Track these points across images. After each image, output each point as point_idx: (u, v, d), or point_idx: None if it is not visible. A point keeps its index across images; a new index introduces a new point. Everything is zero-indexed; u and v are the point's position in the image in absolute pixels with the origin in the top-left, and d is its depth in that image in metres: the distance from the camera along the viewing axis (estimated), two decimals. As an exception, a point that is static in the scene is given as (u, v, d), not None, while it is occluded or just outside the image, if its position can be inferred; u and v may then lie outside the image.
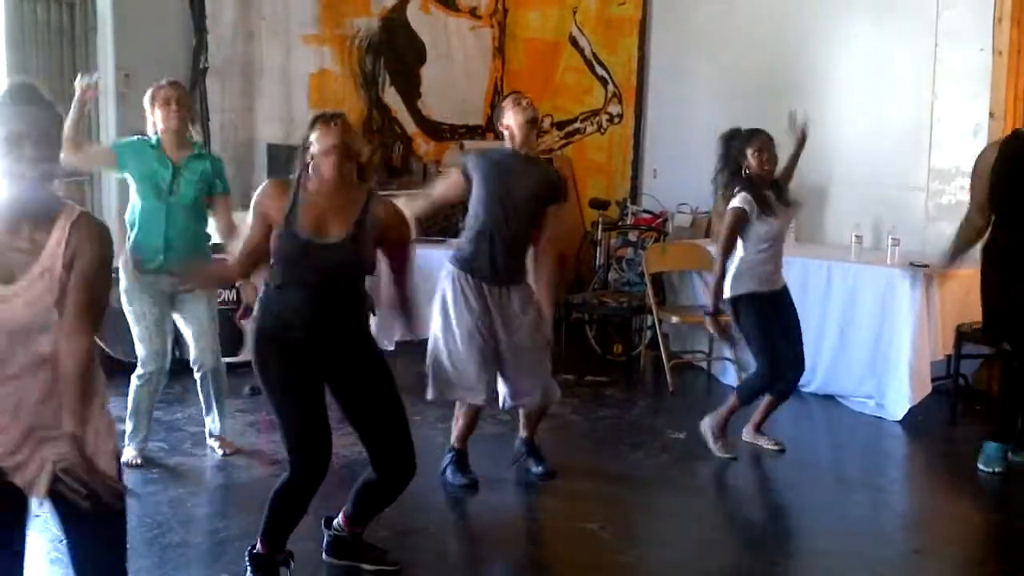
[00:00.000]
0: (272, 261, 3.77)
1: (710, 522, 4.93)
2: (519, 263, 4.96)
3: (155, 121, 5.10)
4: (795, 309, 5.56)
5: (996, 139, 5.53)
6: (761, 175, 5.32)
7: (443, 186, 5.20)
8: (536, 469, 5.24)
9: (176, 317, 5.25)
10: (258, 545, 3.92)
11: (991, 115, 6.69)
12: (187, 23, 7.33)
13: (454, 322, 4.87)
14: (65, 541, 2.75)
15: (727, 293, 5.44)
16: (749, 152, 5.30)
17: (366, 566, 4.12)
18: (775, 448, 5.66)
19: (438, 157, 8.72)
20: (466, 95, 8.92)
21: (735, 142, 5.36)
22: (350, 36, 8.25)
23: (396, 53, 8.56)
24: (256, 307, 3.87)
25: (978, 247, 5.38)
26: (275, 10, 7.87)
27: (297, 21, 7.98)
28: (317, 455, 3.77)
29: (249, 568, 3.93)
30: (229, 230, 5.10)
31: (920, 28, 6.98)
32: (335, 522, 4.14)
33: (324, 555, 4.15)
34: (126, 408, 5.27)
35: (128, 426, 5.26)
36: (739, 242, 5.39)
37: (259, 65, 7.79)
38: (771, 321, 5.44)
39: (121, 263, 5.11)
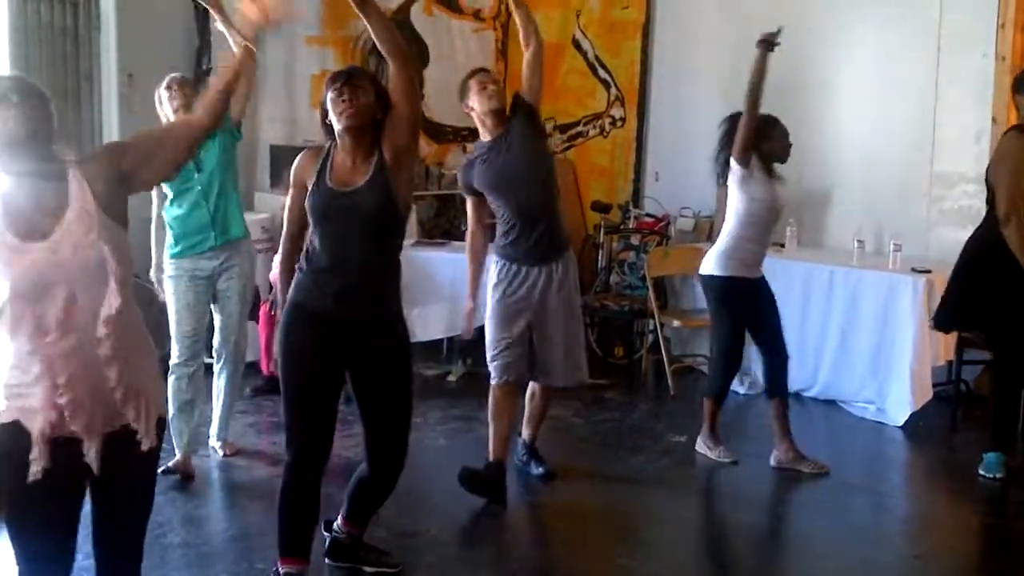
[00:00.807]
0: (310, 228, 3.77)
1: (710, 526, 4.93)
2: (552, 234, 4.95)
3: (166, 112, 5.11)
4: (774, 299, 5.47)
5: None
6: (783, 156, 5.34)
7: (472, 215, 5.09)
8: (537, 470, 5.24)
9: (214, 311, 5.26)
10: (279, 565, 3.83)
11: (994, 120, 6.69)
12: (190, 24, 7.33)
13: (492, 306, 4.94)
14: (95, 509, 2.80)
15: (709, 269, 5.40)
16: (771, 141, 5.29)
17: (367, 568, 4.12)
18: (818, 471, 5.45)
19: (440, 159, 8.72)
20: (469, 98, 8.91)
21: (735, 123, 5.33)
22: (353, 38, 8.24)
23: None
24: (291, 291, 3.81)
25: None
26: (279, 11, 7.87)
27: (300, 22, 7.98)
28: (313, 446, 3.76)
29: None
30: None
31: (923, 33, 6.98)
32: (335, 524, 4.13)
33: (325, 558, 4.14)
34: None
35: (171, 425, 5.12)
36: (730, 215, 5.35)
37: (262, 66, 7.78)
38: (743, 312, 5.38)
39: (167, 267, 5.16)
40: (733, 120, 5.37)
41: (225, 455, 5.44)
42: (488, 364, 5.03)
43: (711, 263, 5.41)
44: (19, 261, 2.59)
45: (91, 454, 2.67)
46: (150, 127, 3.21)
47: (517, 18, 4.95)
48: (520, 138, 4.87)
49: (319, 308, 3.72)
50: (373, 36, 3.69)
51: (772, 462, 5.48)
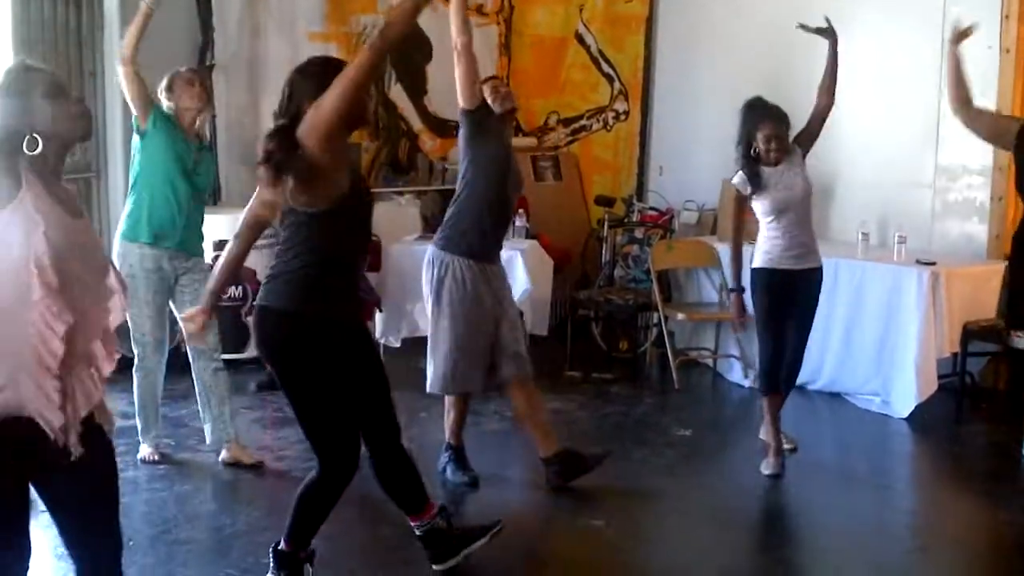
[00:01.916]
0: (307, 232, 3.56)
1: (715, 519, 4.92)
2: (502, 235, 5.09)
3: (174, 104, 5.10)
4: (813, 303, 5.37)
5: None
6: (767, 160, 5.29)
7: (469, 66, 4.80)
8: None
9: (174, 308, 5.17)
10: (282, 543, 3.84)
11: (998, 112, 6.66)
12: (194, 20, 7.33)
13: (467, 315, 4.84)
14: (55, 509, 2.79)
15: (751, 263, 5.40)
16: (759, 136, 5.23)
17: (476, 545, 4.11)
18: (790, 447, 5.55)
19: (444, 154, 8.71)
20: (472, 92, 8.91)
21: (751, 114, 5.29)
22: (356, 33, 8.24)
23: (402, 50, 8.55)
24: (279, 292, 3.60)
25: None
26: (281, 7, 7.87)
27: (304, 18, 7.97)
28: (348, 455, 3.70)
29: (273, 565, 3.85)
30: None
31: (927, 25, 6.95)
32: (414, 526, 4.04)
33: (434, 566, 4.08)
34: (132, 405, 5.28)
35: (139, 423, 5.26)
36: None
37: (265, 61, 7.79)
38: (779, 301, 5.29)
39: (120, 242, 5.10)
40: (747, 109, 5.31)
41: (225, 463, 5.28)
42: (443, 374, 4.93)
43: (751, 258, 5.41)
44: (74, 235, 2.66)
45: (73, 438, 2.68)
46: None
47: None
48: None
49: (338, 315, 3.66)
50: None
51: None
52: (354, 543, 4.46)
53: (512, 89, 5.12)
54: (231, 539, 4.51)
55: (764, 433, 5.53)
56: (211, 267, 4.94)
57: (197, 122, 5.17)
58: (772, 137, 5.23)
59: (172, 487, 5.03)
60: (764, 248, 5.31)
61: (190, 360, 5.24)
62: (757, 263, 5.33)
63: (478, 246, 4.86)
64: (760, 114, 5.27)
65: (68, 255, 2.61)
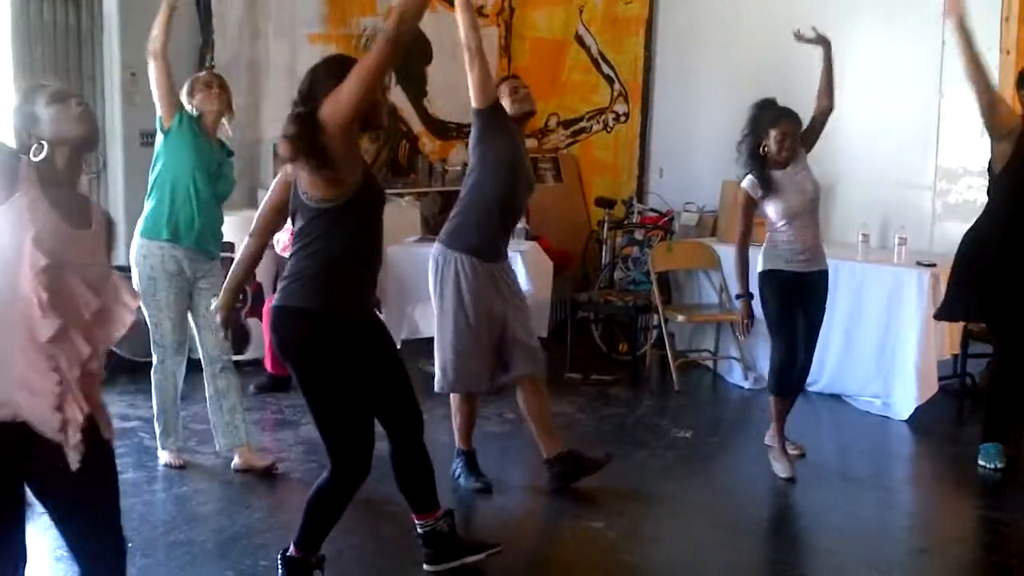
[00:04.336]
0: (322, 228, 3.57)
1: (716, 521, 4.92)
2: (509, 238, 5.04)
3: (196, 106, 5.09)
4: (822, 306, 5.37)
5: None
6: (776, 159, 5.26)
7: (482, 67, 4.80)
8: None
9: (190, 313, 5.17)
10: (291, 549, 3.82)
11: (999, 114, 6.66)
12: (194, 22, 7.32)
13: (468, 312, 4.81)
14: (55, 512, 2.80)
15: (757, 267, 5.38)
16: (772, 134, 5.19)
17: (471, 558, 4.11)
18: (796, 453, 5.53)
19: (444, 156, 8.71)
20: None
21: (764, 113, 5.26)
22: (356, 35, 8.24)
23: (402, 52, 8.55)
24: (293, 290, 3.62)
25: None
26: (281, 10, 7.86)
27: (303, 20, 7.97)
28: (362, 456, 3.68)
29: (282, 572, 3.84)
30: None
31: (927, 27, 6.95)
32: (417, 525, 4.06)
33: (426, 566, 4.10)
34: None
35: (157, 428, 5.22)
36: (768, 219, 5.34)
37: (265, 64, 7.79)
38: (790, 303, 5.28)
39: (139, 240, 5.07)
40: (759, 109, 5.28)
41: (237, 470, 5.24)
42: (445, 372, 4.91)
43: (759, 261, 5.37)
44: (69, 244, 2.69)
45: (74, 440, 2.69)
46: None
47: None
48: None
49: (356, 312, 3.68)
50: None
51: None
52: (355, 544, 4.44)
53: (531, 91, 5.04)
54: (230, 541, 4.50)
55: (769, 439, 5.50)
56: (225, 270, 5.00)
57: (223, 124, 5.15)
58: (786, 134, 5.19)
59: (171, 489, 5.02)
60: (774, 251, 5.29)
61: (202, 364, 5.23)
62: (767, 266, 5.29)
63: (483, 245, 4.84)
64: (774, 112, 5.24)
65: (60, 262, 2.62)
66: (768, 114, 5.24)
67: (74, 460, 2.66)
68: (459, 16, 4.72)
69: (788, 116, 5.24)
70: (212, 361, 5.18)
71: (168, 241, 5.02)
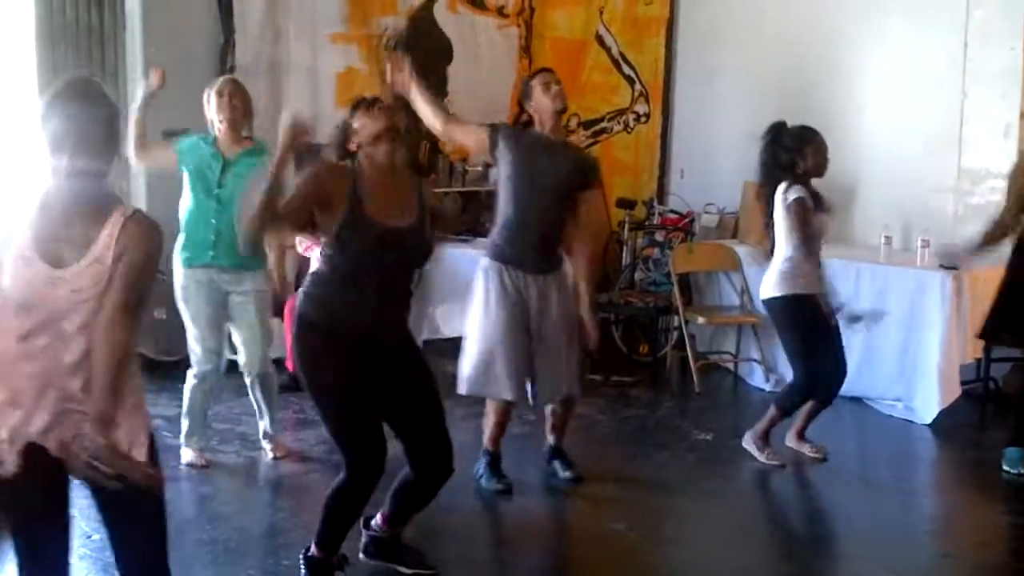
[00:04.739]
0: (329, 251, 3.71)
1: (737, 524, 4.90)
2: (554, 249, 4.90)
3: (210, 116, 5.11)
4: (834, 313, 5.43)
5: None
6: (816, 175, 5.27)
7: (463, 129, 5.06)
8: (564, 474, 5.20)
9: (228, 322, 5.20)
10: (313, 548, 3.86)
11: (1022, 115, 6.64)
12: (215, 23, 7.34)
13: (492, 316, 4.80)
14: (106, 531, 2.80)
15: (771, 292, 5.36)
16: (810, 151, 5.22)
17: (403, 569, 4.09)
18: (817, 456, 5.54)
19: (464, 156, 8.71)
20: (493, 94, 8.89)
21: (787, 140, 5.27)
22: (377, 35, 8.24)
23: (423, 52, 8.56)
24: (302, 300, 3.77)
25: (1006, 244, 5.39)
26: (302, 10, 7.87)
27: (324, 20, 7.98)
28: (374, 455, 3.71)
29: (304, 571, 3.88)
30: None
31: (950, 27, 6.93)
32: (373, 522, 4.11)
33: (361, 555, 4.12)
34: (180, 407, 5.26)
35: (184, 425, 5.23)
36: (786, 241, 5.29)
37: (286, 64, 7.79)
38: (812, 326, 5.31)
39: (175, 261, 5.12)
40: (776, 131, 5.30)
41: (274, 457, 5.37)
42: (467, 374, 4.92)
43: (774, 286, 5.35)
44: (22, 273, 2.60)
45: (74, 472, 2.65)
46: None
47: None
48: (570, 170, 4.83)
49: (353, 329, 3.71)
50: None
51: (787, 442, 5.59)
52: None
53: (563, 87, 5.00)
54: (253, 540, 4.51)
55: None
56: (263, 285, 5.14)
57: (231, 135, 5.12)
58: (824, 148, 5.25)
59: (192, 488, 5.03)
60: (798, 272, 5.28)
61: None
62: (795, 289, 5.29)
63: (508, 252, 4.83)
64: (801, 133, 5.27)
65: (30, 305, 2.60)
66: (791, 135, 5.26)
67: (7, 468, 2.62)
68: (418, 106, 4.92)
69: (816, 132, 5.29)
70: (248, 372, 5.25)
71: (185, 267, 5.08)
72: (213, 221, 5.03)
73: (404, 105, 3.86)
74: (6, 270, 2.62)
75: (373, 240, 3.66)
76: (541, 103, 4.88)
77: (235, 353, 5.36)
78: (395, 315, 3.82)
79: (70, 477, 2.70)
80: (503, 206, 4.87)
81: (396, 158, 3.72)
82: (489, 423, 5.06)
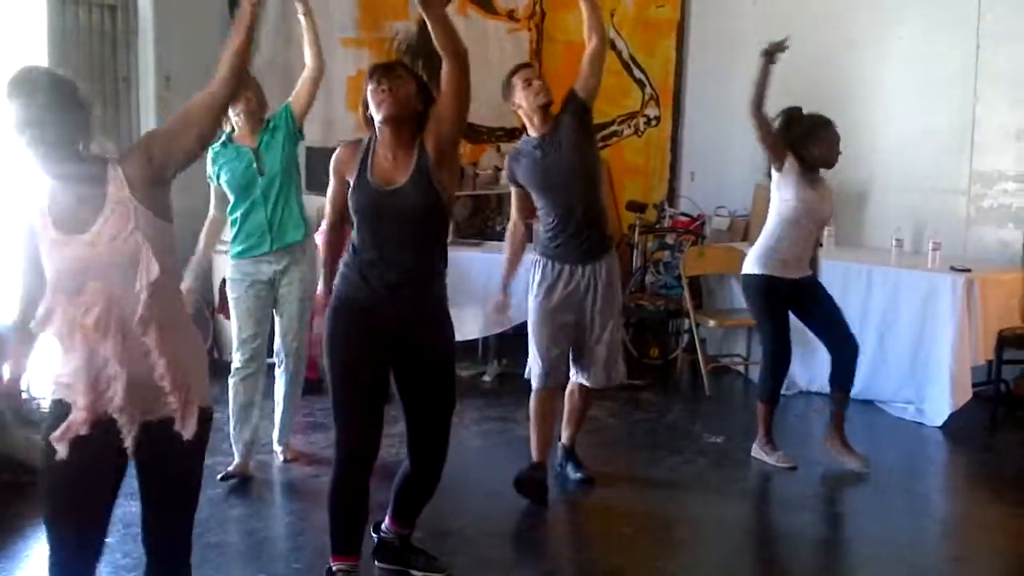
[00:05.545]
0: (353, 227, 3.81)
1: (747, 527, 4.90)
2: (597, 233, 4.90)
3: (228, 114, 5.14)
4: (827, 294, 5.45)
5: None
6: (825, 165, 5.29)
7: (516, 205, 5.08)
8: (575, 475, 5.21)
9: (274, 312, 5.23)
10: (330, 561, 3.86)
11: (1034, 117, 6.63)
12: (227, 27, 7.35)
13: (532, 308, 4.90)
14: (142, 508, 2.87)
15: (748, 268, 5.40)
16: (815, 143, 5.24)
17: (415, 572, 4.10)
18: (860, 467, 5.44)
19: (475, 159, 8.72)
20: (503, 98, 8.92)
21: (796, 129, 5.29)
22: (388, 39, 8.25)
23: (434, 56, 8.56)
24: (337, 284, 3.84)
25: None
26: (314, 13, 7.89)
27: (336, 24, 8.00)
28: (360, 437, 3.75)
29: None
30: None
31: (962, 30, 6.92)
32: (383, 526, 4.13)
33: (374, 559, 4.13)
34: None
35: (232, 431, 5.17)
36: (771, 213, 5.34)
37: (298, 68, 7.80)
38: (782, 312, 5.37)
39: (229, 270, 5.19)
40: (790, 114, 5.31)
41: (286, 460, 5.40)
42: (530, 367, 4.99)
43: (750, 262, 5.39)
44: (61, 254, 2.71)
45: (128, 440, 2.73)
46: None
47: (584, 10, 4.78)
48: (569, 137, 4.79)
49: (366, 302, 3.74)
50: (432, 33, 3.77)
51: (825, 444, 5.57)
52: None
53: (545, 81, 4.96)
54: (263, 544, 4.53)
55: (836, 450, 5.55)
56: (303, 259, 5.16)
57: (250, 125, 5.15)
58: (837, 141, 5.27)
59: (204, 490, 5.01)
60: (771, 255, 5.34)
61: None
62: (769, 271, 5.35)
63: (549, 247, 4.89)
64: (814, 122, 5.29)
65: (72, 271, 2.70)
66: (804, 125, 5.27)
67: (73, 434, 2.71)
68: None
69: (831, 123, 5.31)
70: (280, 361, 5.31)
71: (238, 260, 5.13)
72: (263, 209, 5.07)
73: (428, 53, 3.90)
74: (46, 264, 2.72)
75: (368, 203, 3.72)
76: (524, 101, 4.85)
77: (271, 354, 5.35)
78: (411, 284, 3.75)
79: (127, 463, 2.79)
80: (540, 210, 4.94)
81: (389, 113, 3.71)
82: (547, 421, 5.03)
